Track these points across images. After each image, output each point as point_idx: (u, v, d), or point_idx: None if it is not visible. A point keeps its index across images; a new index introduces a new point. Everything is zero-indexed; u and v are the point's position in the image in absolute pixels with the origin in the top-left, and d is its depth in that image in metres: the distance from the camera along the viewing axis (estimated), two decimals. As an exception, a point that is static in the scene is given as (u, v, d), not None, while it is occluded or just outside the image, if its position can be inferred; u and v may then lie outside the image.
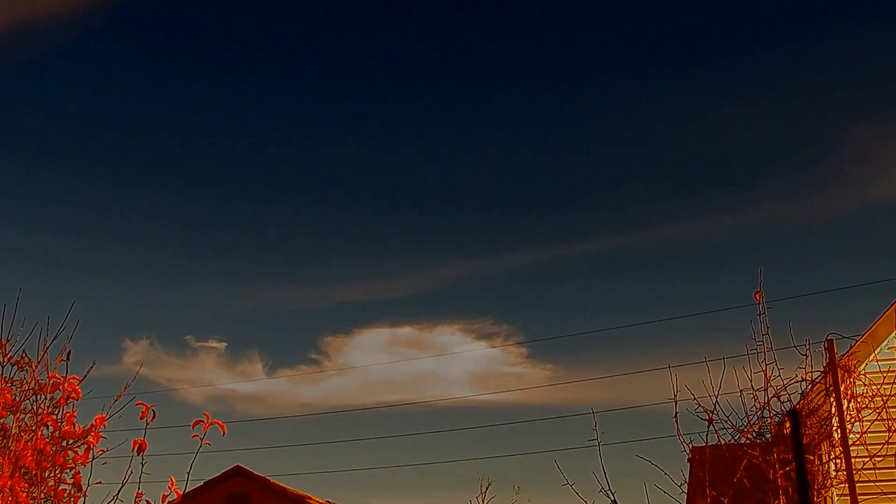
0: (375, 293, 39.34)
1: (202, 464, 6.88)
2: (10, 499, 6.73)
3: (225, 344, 34.77)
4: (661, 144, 36.33)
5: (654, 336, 33.87)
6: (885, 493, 10.78)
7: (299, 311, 38.70)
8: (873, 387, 11.06)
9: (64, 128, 37.12)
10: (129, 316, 35.71)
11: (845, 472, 10.49)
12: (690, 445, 10.92)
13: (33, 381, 7.88)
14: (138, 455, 6.59)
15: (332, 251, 38.53)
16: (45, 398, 7.54)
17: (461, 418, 36.80)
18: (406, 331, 35.90)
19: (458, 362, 34.82)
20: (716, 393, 10.76)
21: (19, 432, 7.47)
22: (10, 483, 6.72)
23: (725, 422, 10.80)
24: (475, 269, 37.68)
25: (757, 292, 11.05)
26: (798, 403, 10.90)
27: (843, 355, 11.19)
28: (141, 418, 6.60)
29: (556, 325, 38.27)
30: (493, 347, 34.19)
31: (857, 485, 10.41)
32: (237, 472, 21.94)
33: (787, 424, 9.44)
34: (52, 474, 7.41)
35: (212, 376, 34.44)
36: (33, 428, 7.45)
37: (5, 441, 7.38)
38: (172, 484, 6.53)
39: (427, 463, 32.12)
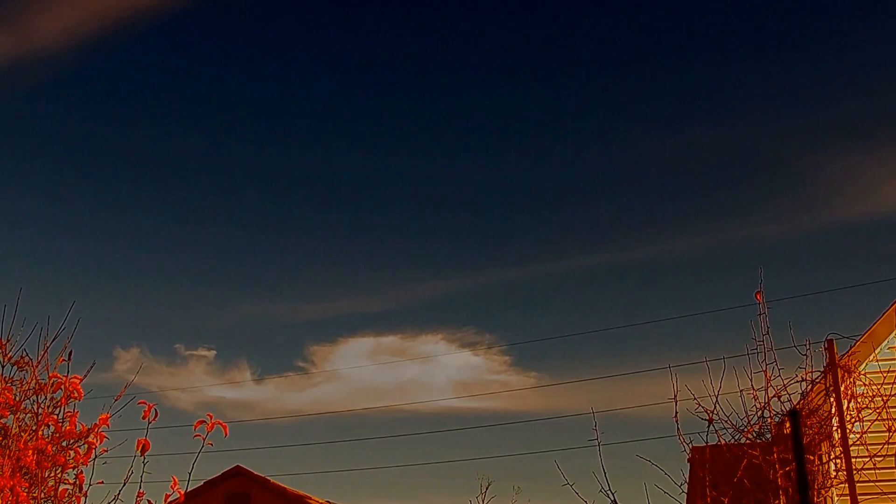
0: (359, 307, 40.33)
1: (199, 464, 6.92)
2: (10, 498, 6.73)
3: (214, 352, 35.13)
4: (639, 159, 36.71)
5: (640, 340, 34.29)
6: (885, 493, 10.78)
7: (285, 323, 39.57)
8: (873, 387, 11.06)
9: (65, 130, 37.41)
10: (119, 324, 36.01)
11: (845, 472, 10.49)
12: (690, 445, 10.93)
13: (34, 381, 7.88)
14: (142, 455, 6.61)
15: (317, 266, 39.26)
16: (46, 398, 7.54)
17: (450, 424, 37.20)
18: (390, 340, 36.58)
19: (443, 370, 35.34)
20: (716, 393, 10.78)
21: (19, 432, 7.47)
22: (10, 483, 6.72)
23: (725, 422, 10.81)
24: (458, 283, 38.48)
25: (757, 292, 11.07)
26: (798, 403, 10.90)
27: (843, 355, 11.19)
28: (143, 418, 6.64)
29: (540, 335, 38.66)
30: (477, 355, 34.45)
31: (857, 485, 10.41)
32: (237, 472, 21.95)
33: (787, 424, 9.44)
34: (52, 474, 7.40)
35: (201, 383, 34.71)
36: (33, 428, 7.44)
37: (6, 441, 7.38)
38: (175, 484, 6.54)
39: (428, 463, 32.24)
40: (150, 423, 6.68)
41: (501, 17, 35.97)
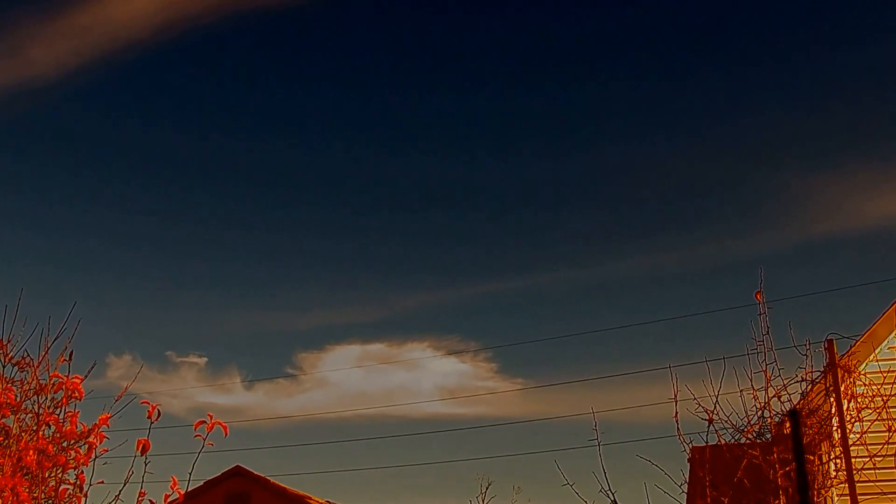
0: (347, 316, 41.17)
1: (194, 465, 6.99)
2: (11, 499, 6.73)
3: (205, 359, 35.65)
4: (613, 170, 37.07)
5: (631, 345, 34.54)
6: (885, 493, 10.78)
7: (274, 331, 40.39)
8: (873, 387, 11.06)
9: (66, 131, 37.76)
10: (111, 331, 36.39)
11: (845, 472, 10.49)
12: (690, 445, 10.94)
13: (34, 382, 7.87)
14: (142, 455, 6.65)
15: (305, 276, 40.06)
16: (47, 398, 7.54)
17: (439, 430, 37.66)
18: (377, 347, 37.36)
19: (431, 376, 35.94)
20: (716, 393, 10.79)
21: (20, 432, 7.47)
22: (11, 483, 6.72)
23: (725, 422, 10.82)
24: (443, 293, 39.06)
25: (758, 292, 11.08)
26: (798, 403, 10.91)
27: (843, 355, 11.20)
28: (147, 417, 6.72)
29: (525, 344, 39.08)
30: (464, 362, 34.80)
31: (857, 485, 10.42)
32: (237, 473, 21.95)
33: (787, 424, 9.45)
34: (52, 474, 7.41)
35: (192, 390, 35.02)
36: (34, 428, 7.44)
37: (7, 441, 7.38)
38: (175, 484, 6.57)
39: (427, 463, 32.32)
40: (152, 423, 6.74)
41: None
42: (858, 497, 10.33)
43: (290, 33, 37.16)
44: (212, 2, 32.42)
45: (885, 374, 11.19)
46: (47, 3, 31.98)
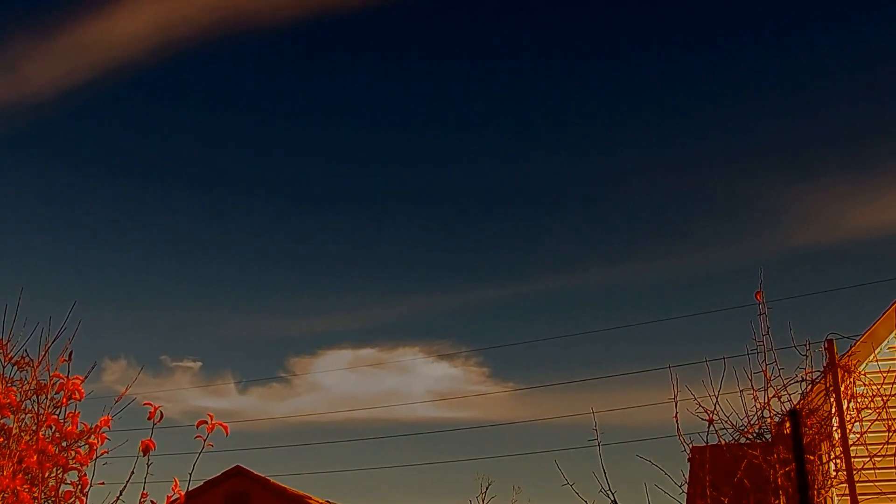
0: (338, 323, 41.34)
1: (189, 466, 7.02)
2: (12, 500, 6.73)
3: (199, 363, 36.04)
4: (599, 176, 37.39)
5: (624, 348, 34.57)
6: (885, 493, 10.79)
7: (268, 337, 40.66)
8: (873, 387, 11.07)
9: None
10: (106, 335, 36.63)
11: (845, 472, 10.50)
12: (690, 445, 10.95)
13: (34, 382, 7.87)
14: (144, 455, 6.68)
15: (297, 284, 40.43)
16: (47, 398, 7.54)
17: (434, 433, 37.88)
18: (368, 352, 37.77)
19: (422, 380, 36.26)
20: (716, 393, 10.80)
21: (19, 433, 7.46)
22: (12, 485, 6.72)
23: (725, 422, 10.83)
24: (433, 300, 39.27)
25: (758, 292, 11.08)
26: (798, 403, 10.92)
27: (843, 355, 11.20)
28: (149, 419, 6.76)
29: (516, 347, 39.26)
30: (455, 367, 34.95)
31: (857, 485, 10.43)
32: (237, 473, 21.96)
33: (787, 424, 9.45)
34: (53, 474, 7.40)
35: (187, 393, 35.24)
36: (34, 428, 7.43)
37: (7, 442, 7.37)
38: (176, 485, 6.59)
39: (425, 464, 32.40)
40: (154, 424, 6.78)
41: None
42: (858, 497, 10.34)
43: (283, 52, 37.77)
44: (205, 23, 32.85)
45: (885, 374, 11.20)
46: (43, 23, 32.85)
